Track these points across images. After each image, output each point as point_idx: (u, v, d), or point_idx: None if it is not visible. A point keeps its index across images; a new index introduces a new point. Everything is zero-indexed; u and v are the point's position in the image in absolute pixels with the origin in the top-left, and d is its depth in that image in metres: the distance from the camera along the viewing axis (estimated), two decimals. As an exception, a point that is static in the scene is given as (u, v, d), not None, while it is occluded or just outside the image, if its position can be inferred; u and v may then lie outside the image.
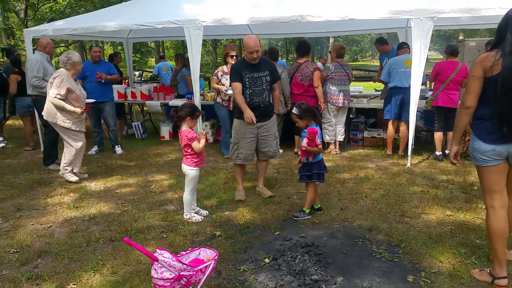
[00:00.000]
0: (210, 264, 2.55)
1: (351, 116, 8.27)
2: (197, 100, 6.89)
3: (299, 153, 4.31)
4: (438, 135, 6.71)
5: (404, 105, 6.57)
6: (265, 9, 6.78)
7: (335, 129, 7.15)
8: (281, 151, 7.23)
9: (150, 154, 7.26)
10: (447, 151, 6.69)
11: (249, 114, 4.60)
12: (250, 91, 4.67)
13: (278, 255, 3.45)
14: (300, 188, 5.22)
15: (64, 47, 25.67)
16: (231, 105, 6.67)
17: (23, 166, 6.52)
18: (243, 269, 3.24)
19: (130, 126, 9.07)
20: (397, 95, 6.70)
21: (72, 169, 5.72)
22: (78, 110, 5.46)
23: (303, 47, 6.92)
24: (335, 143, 7.23)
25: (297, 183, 5.32)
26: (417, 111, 6.55)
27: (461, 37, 37.49)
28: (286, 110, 6.97)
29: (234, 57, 6.60)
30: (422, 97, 7.52)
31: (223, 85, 6.70)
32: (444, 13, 5.73)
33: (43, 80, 6.02)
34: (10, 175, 6.02)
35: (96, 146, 7.41)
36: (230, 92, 6.26)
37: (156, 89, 8.64)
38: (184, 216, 4.25)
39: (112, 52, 10.49)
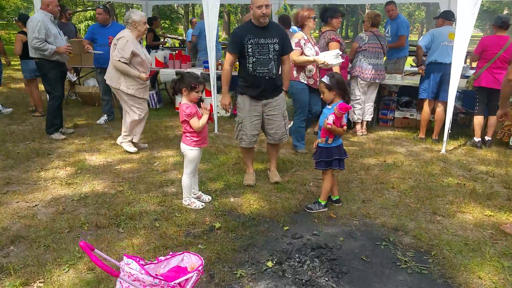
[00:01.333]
0: (192, 276, 2.05)
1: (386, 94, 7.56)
2: (213, 71, 6.33)
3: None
4: (478, 120, 5.97)
5: (443, 83, 5.84)
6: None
7: (363, 107, 6.49)
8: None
9: (161, 126, 6.79)
10: (486, 138, 5.97)
11: (225, 101, 4.16)
12: (254, 59, 4.02)
13: (283, 258, 2.93)
14: (319, 174, 4.65)
15: (91, 10, 25.27)
16: (317, 82, 5.16)
17: (26, 133, 6.15)
18: (240, 274, 2.74)
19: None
20: (436, 72, 5.94)
21: (132, 139, 5.39)
22: (143, 75, 5.06)
23: (321, 13, 6.05)
24: (361, 123, 6.57)
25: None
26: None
27: (506, 12, 35.13)
28: None
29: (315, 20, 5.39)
30: (462, 76, 6.76)
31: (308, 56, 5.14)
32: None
33: (45, 42, 5.55)
34: (10, 142, 5.66)
35: (105, 115, 6.98)
36: (334, 61, 5.03)
37: (172, 56, 8.09)
38: (183, 202, 3.76)
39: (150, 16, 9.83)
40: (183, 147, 3.62)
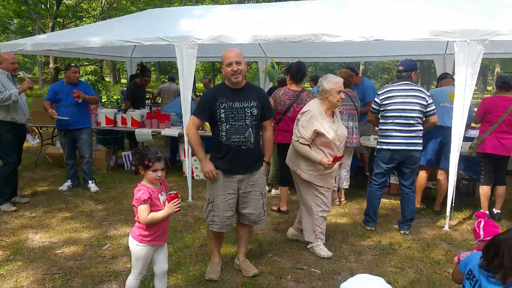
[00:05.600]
0: None
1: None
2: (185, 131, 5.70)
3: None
4: (484, 190, 5.26)
5: (444, 149, 5.18)
6: (272, 26, 5.61)
7: (339, 174, 5.80)
8: (274, 191, 5.99)
9: (129, 194, 6.04)
10: (495, 210, 5.25)
11: (207, 167, 3.41)
12: (228, 126, 3.38)
13: None
14: (300, 259, 3.91)
15: (93, 65, 25.15)
16: None
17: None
18: None
19: (120, 156, 7.95)
20: (435, 136, 5.29)
21: (323, 240, 4.18)
22: (325, 160, 3.88)
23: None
24: (338, 190, 5.88)
25: (297, 251, 4.03)
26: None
27: (497, 69, 35.03)
28: None
29: None
30: (464, 138, 6.16)
31: None
32: (500, 35, 4.41)
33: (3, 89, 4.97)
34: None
35: (69, 181, 6.26)
36: None
37: (150, 115, 7.51)
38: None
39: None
40: (129, 239, 2.85)
